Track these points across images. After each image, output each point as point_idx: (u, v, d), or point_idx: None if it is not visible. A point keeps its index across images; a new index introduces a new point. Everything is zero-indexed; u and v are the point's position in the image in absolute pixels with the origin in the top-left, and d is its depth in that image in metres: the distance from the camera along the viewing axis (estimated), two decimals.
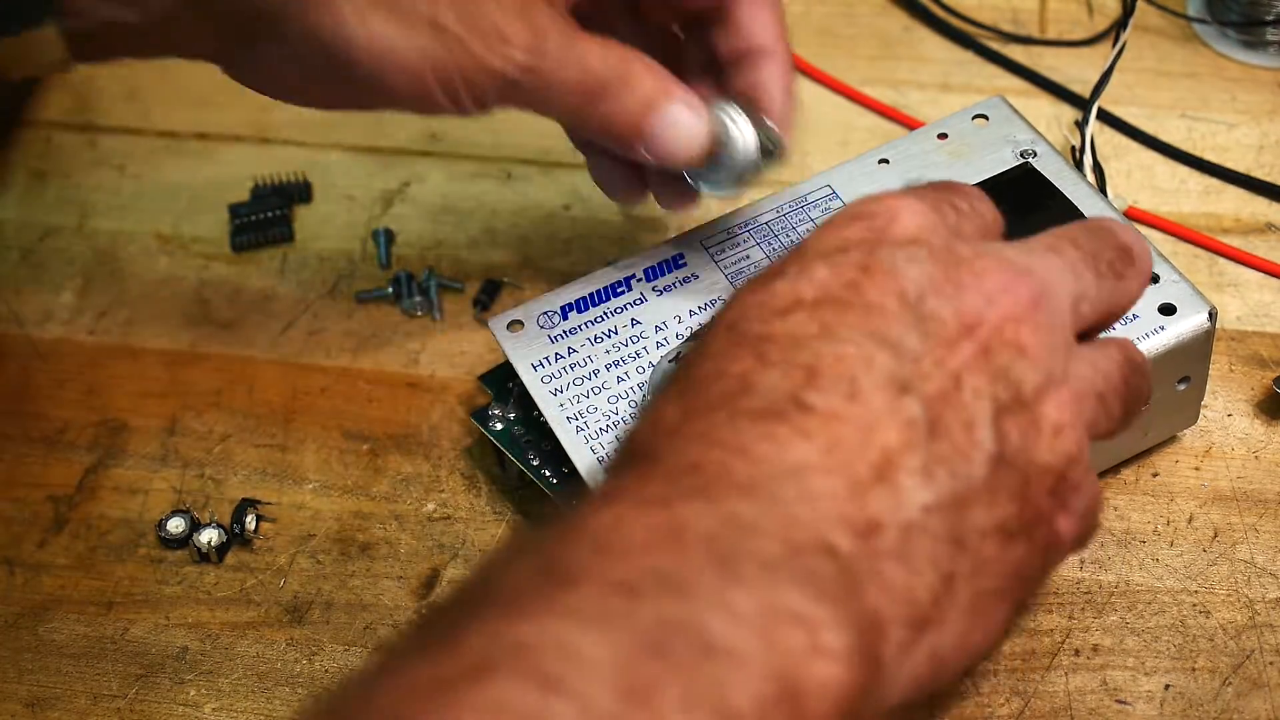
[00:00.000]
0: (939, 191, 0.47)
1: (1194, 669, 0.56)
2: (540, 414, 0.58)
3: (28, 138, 0.77)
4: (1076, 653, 0.57)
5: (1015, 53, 0.76)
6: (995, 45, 0.76)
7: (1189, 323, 0.57)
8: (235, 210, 0.72)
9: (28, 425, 0.66)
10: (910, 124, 0.73)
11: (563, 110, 0.56)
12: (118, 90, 0.78)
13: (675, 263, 0.61)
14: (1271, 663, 0.56)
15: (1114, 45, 0.70)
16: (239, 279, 0.70)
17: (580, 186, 0.73)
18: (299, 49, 0.54)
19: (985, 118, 0.63)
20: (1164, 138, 0.72)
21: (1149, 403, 0.49)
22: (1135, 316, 0.57)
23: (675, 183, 0.59)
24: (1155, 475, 0.61)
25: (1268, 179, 0.70)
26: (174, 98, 0.78)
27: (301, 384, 0.67)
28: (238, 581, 0.61)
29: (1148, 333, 0.56)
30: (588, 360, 0.58)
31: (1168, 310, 0.57)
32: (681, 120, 0.55)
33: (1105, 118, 0.72)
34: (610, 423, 0.57)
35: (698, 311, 0.59)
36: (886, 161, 0.63)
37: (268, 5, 0.53)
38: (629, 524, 0.38)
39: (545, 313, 0.60)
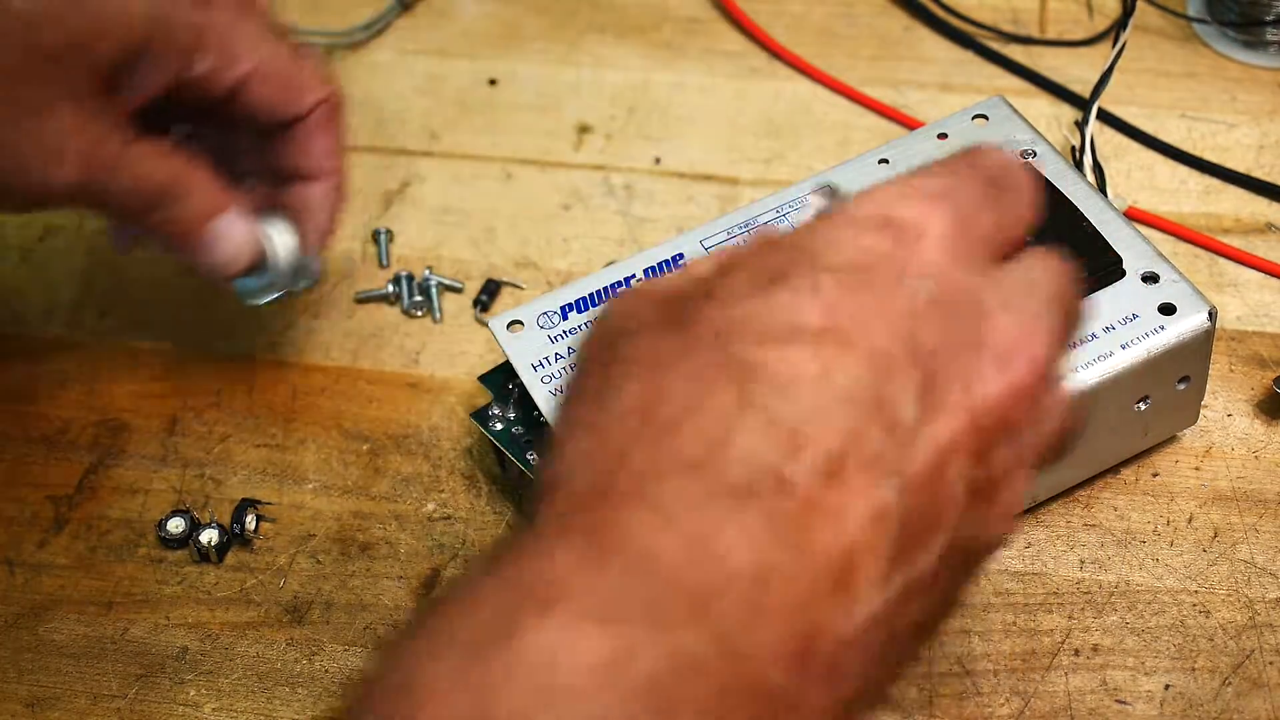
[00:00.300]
0: (980, 185, 0.42)
1: (1194, 669, 0.56)
2: (540, 414, 0.58)
3: None
4: (1076, 653, 0.57)
5: (1015, 53, 0.76)
6: (995, 45, 0.76)
7: (1189, 323, 0.57)
8: None
9: (28, 425, 0.66)
10: (910, 124, 0.73)
11: (120, 215, 0.59)
12: None
13: (675, 263, 0.61)
14: (1271, 663, 0.56)
15: (1114, 45, 0.70)
16: None
17: (580, 186, 0.73)
18: None
19: (985, 118, 0.63)
20: (1164, 138, 0.72)
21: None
22: (1135, 316, 0.57)
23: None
24: (1155, 475, 0.61)
25: (1268, 179, 0.70)
26: None
27: (301, 384, 0.67)
28: (238, 581, 0.61)
29: (1147, 333, 0.56)
30: None
31: (1168, 310, 0.57)
32: (229, 235, 0.59)
33: (1105, 118, 0.72)
34: None
35: None
36: (886, 161, 0.63)
37: None
38: (570, 657, 0.35)
39: (545, 313, 0.60)
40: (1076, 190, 0.60)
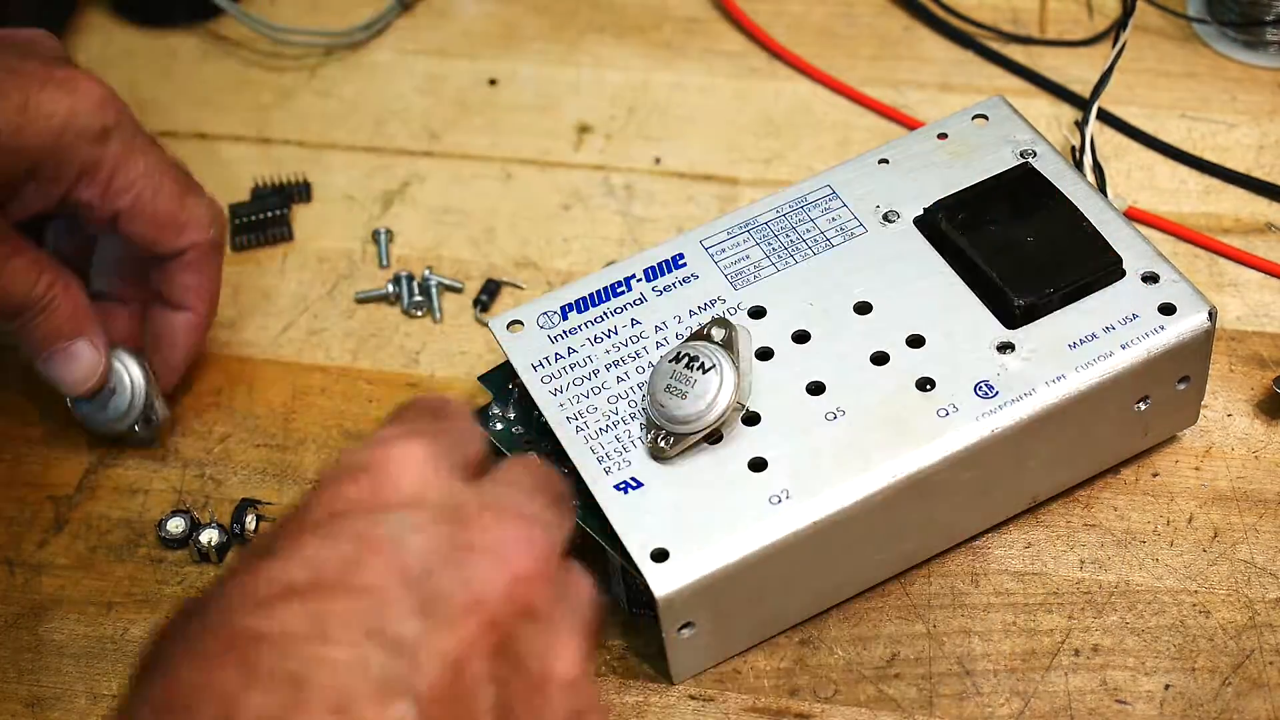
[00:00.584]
0: (432, 415, 0.46)
1: (1194, 669, 0.56)
2: (540, 414, 0.58)
3: None
4: (1076, 653, 0.57)
5: (1015, 53, 0.76)
6: (995, 45, 0.76)
7: (1189, 322, 0.57)
8: (235, 210, 0.72)
9: (28, 425, 0.66)
10: (910, 124, 0.73)
11: None
12: (117, 91, 0.78)
13: (675, 263, 0.61)
14: (1271, 663, 0.56)
15: (1114, 45, 0.70)
16: (239, 279, 0.70)
17: (580, 186, 0.73)
18: None
19: (985, 118, 0.63)
20: (1164, 138, 0.72)
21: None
22: (1135, 316, 0.57)
23: None
24: (1155, 475, 0.61)
25: (1268, 179, 0.70)
26: (174, 98, 0.78)
27: (301, 384, 0.67)
28: None
29: (1147, 333, 0.57)
30: (588, 360, 0.58)
31: (1168, 310, 0.57)
32: (79, 359, 0.62)
33: (1105, 118, 0.72)
34: (610, 422, 0.57)
35: (697, 311, 0.59)
36: (886, 161, 0.63)
37: None
38: None
39: (545, 313, 0.60)
40: (1076, 190, 0.60)
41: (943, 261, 0.59)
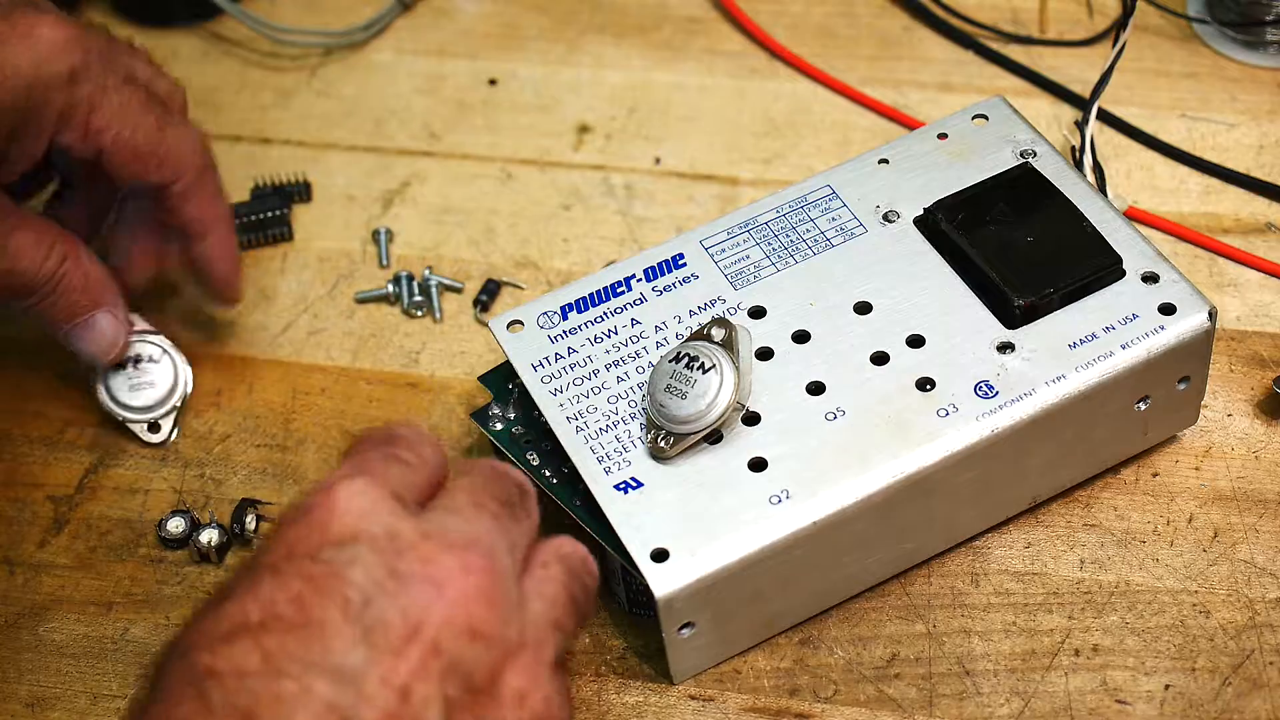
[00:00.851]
0: (381, 447, 0.48)
1: (1194, 669, 0.56)
2: (540, 414, 0.58)
3: None
4: (1076, 653, 0.57)
5: (1015, 53, 0.76)
6: (995, 45, 0.76)
7: (1189, 322, 0.57)
8: (235, 210, 0.72)
9: (28, 425, 0.66)
10: (910, 124, 0.73)
11: None
12: None
13: (675, 263, 0.61)
14: (1271, 663, 0.56)
15: (1114, 45, 0.70)
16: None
17: (580, 186, 0.73)
18: None
19: (985, 118, 0.63)
20: (1164, 138, 0.72)
21: (598, 583, 0.50)
22: (1135, 316, 0.57)
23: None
24: (1155, 475, 0.61)
25: (1268, 179, 0.70)
26: None
27: (301, 384, 0.67)
28: None
29: (1147, 332, 0.57)
30: (588, 360, 0.58)
31: (1168, 310, 0.57)
32: (100, 330, 0.62)
33: (1105, 118, 0.72)
34: (610, 422, 0.57)
35: (697, 311, 0.59)
36: (886, 161, 0.63)
37: None
38: None
39: (545, 313, 0.60)
40: (1076, 190, 0.60)
41: (943, 261, 0.59)
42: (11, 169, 0.59)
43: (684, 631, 0.55)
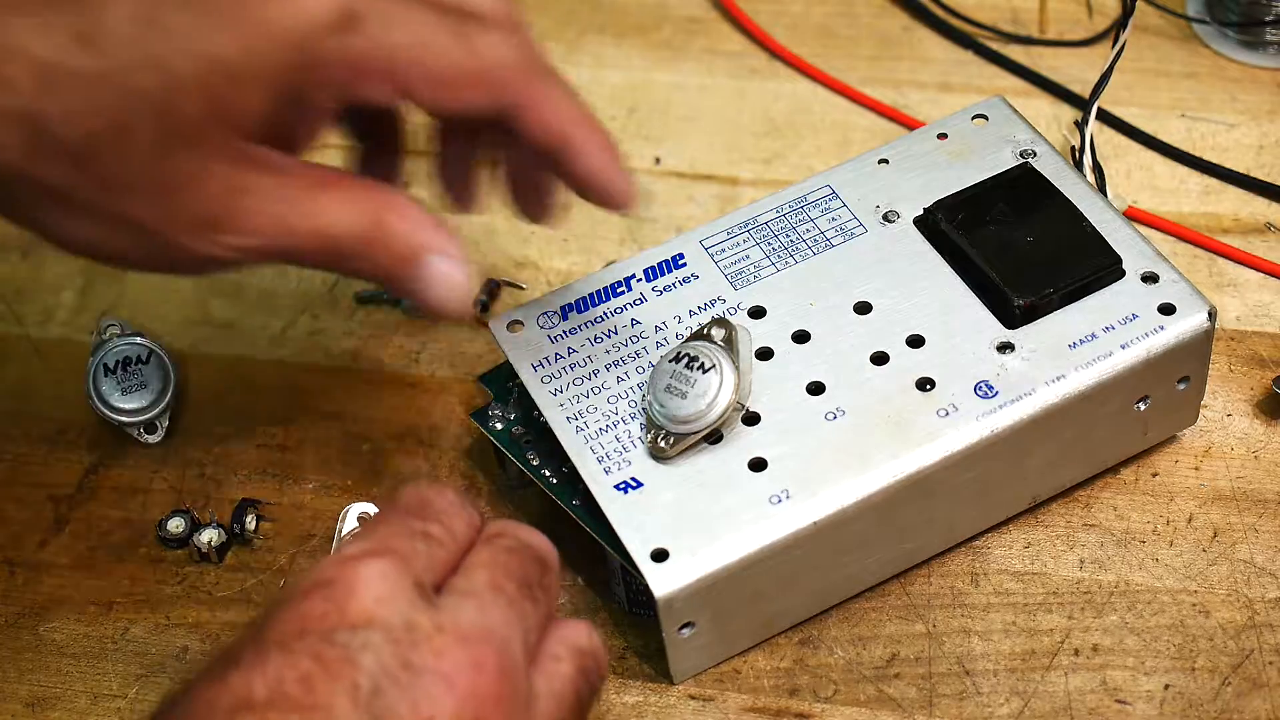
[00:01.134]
0: (411, 520, 0.46)
1: (1194, 669, 0.56)
2: (540, 414, 0.58)
3: None
4: (1076, 653, 0.57)
5: (1015, 53, 0.76)
6: (995, 45, 0.76)
7: (1188, 322, 0.57)
8: None
9: (28, 425, 0.66)
10: (910, 124, 0.73)
11: (315, 267, 0.52)
12: None
13: (675, 263, 0.61)
14: (1271, 663, 0.56)
15: (1114, 45, 0.70)
16: (239, 279, 0.70)
17: None
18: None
19: (985, 118, 0.63)
20: (1164, 138, 0.72)
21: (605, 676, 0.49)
22: (1135, 316, 0.57)
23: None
24: (1155, 475, 0.61)
25: (1267, 179, 0.70)
26: None
27: (301, 384, 0.67)
28: (238, 581, 0.61)
29: (1147, 332, 0.57)
30: (588, 360, 0.58)
31: (1167, 310, 0.57)
32: (433, 279, 0.51)
33: (1105, 118, 0.72)
34: (610, 422, 0.57)
35: (697, 311, 0.59)
36: (886, 161, 0.63)
37: None
38: None
39: (545, 313, 0.60)
40: (1076, 190, 0.60)
41: (943, 261, 0.59)
42: (310, 132, 0.51)
43: (684, 631, 0.55)
